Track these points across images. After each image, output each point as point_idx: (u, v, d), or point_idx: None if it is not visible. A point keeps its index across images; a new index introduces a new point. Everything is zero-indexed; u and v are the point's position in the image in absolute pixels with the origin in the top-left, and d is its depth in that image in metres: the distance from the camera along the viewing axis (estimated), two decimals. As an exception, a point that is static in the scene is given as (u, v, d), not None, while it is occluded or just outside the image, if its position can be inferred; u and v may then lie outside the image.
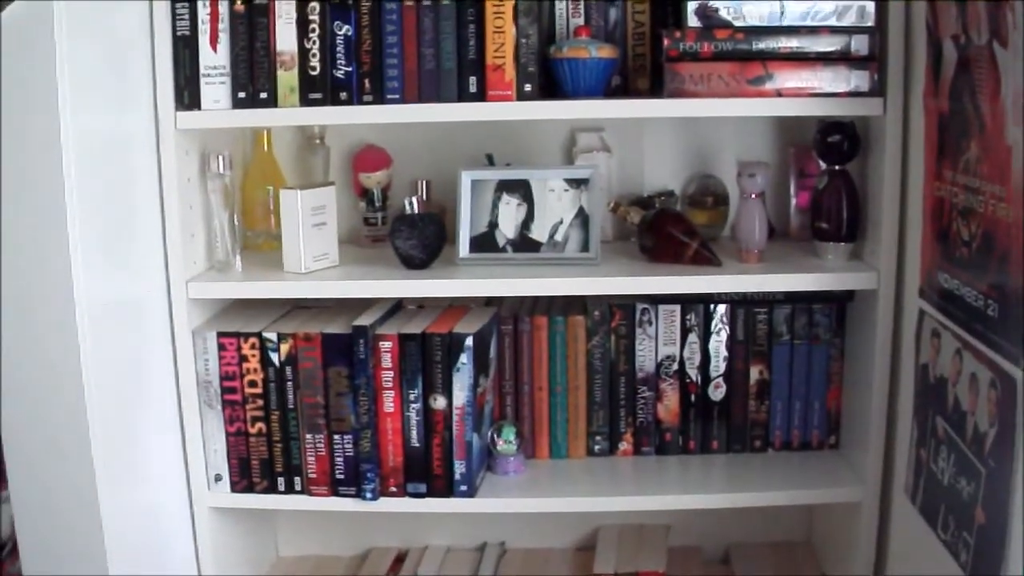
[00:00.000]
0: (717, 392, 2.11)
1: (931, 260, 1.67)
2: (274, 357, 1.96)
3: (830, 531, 2.21)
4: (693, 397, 2.11)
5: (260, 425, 1.99)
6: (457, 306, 2.09)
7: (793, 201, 2.18)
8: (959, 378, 1.53)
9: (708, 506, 2.02)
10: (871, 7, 1.83)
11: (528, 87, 1.90)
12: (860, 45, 1.83)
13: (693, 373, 2.10)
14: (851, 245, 1.96)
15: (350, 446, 1.97)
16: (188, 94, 1.89)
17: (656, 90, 1.96)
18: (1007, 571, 1.33)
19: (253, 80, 1.90)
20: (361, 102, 1.90)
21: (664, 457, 2.14)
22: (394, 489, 1.99)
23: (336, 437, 1.97)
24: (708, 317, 2.08)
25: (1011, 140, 1.35)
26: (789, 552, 2.30)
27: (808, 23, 1.84)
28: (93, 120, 1.68)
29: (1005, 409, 1.36)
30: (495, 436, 2.07)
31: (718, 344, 2.09)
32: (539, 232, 2.02)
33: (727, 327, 2.08)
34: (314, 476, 2.00)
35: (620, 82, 2.03)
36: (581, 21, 2.01)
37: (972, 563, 1.45)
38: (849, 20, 1.84)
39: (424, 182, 2.17)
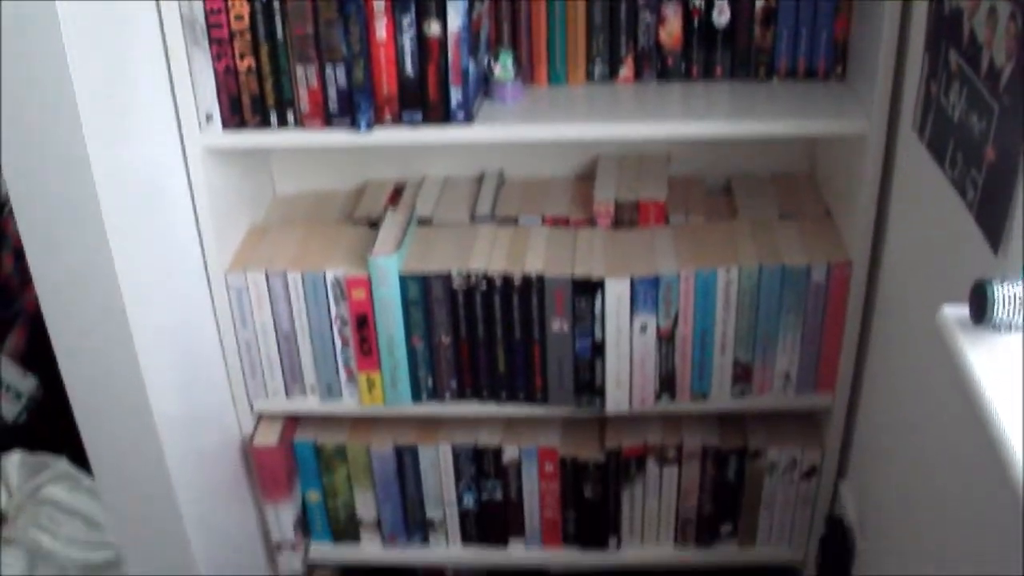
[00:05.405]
0: (721, 18, 2.02)
1: None
2: (259, -15, 1.86)
3: (834, 164, 2.18)
4: (696, 22, 2.03)
5: (249, 60, 1.92)
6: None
7: None
8: (976, 10, 1.44)
9: (710, 133, 1.96)
10: None
11: None
12: None
13: (696, -3, 2.00)
14: None
15: (343, 77, 1.91)
16: None
17: None
18: (1013, 212, 1.30)
19: None
20: None
21: (666, 83, 2.08)
22: (389, 118, 1.94)
23: (328, 68, 1.90)
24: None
25: None
26: (791, 184, 2.29)
27: None
28: None
29: (1024, 44, 1.29)
30: (492, 62, 2.01)
31: (724, -35, 1.98)
32: None
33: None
34: (307, 110, 1.95)
35: None
36: None
37: (979, 201, 1.42)
38: None
39: None
